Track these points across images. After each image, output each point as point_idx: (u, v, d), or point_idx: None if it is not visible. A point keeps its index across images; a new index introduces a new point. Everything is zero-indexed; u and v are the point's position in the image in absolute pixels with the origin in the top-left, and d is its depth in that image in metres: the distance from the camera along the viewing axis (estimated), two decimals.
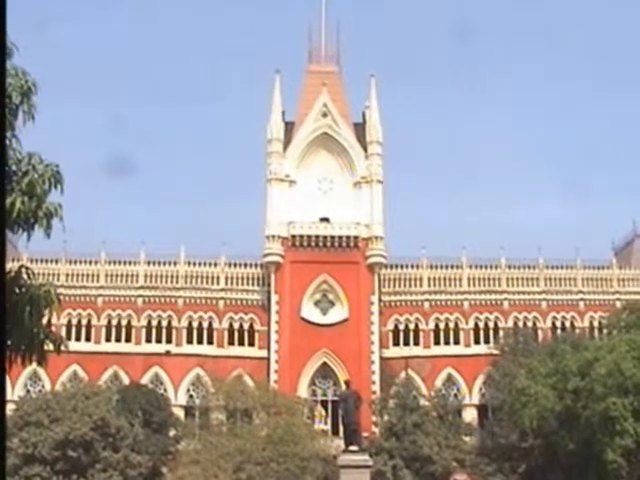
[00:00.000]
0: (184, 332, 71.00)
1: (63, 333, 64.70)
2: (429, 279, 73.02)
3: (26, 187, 11.17)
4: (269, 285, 71.06)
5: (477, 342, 71.33)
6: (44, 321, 11.76)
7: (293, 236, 70.41)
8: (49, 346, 11.98)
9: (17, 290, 11.44)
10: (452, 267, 73.63)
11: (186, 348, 70.43)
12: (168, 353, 69.92)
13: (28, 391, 67.02)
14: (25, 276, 11.59)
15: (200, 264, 72.77)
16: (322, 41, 77.43)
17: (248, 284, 72.40)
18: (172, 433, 61.61)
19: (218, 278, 72.43)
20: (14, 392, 66.50)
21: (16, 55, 11.74)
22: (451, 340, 71.79)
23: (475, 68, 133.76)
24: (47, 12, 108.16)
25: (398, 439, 57.83)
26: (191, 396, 69.38)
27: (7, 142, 11.30)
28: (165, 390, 68.07)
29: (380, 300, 70.92)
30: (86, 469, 53.76)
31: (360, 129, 73.84)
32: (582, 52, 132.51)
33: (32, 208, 11.12)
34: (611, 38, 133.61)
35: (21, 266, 11.76)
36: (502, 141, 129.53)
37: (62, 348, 12.15)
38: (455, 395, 69.14)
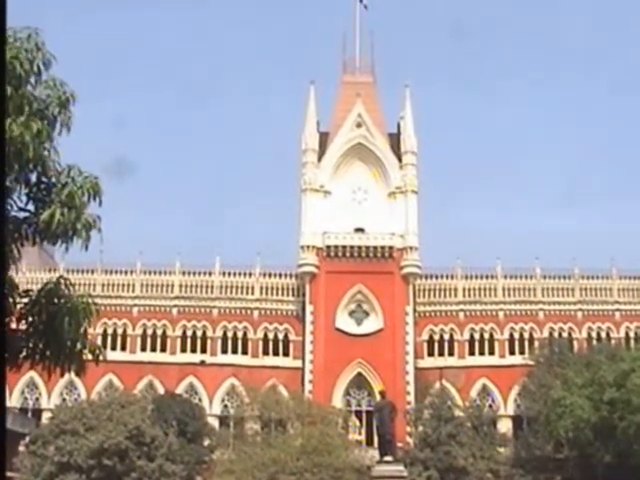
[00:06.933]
0: (219, 342, 71.22)
1: (99, 342, 65.04)
2: (464, 289, 72.80)
3: (66, 198, 11.28)
4: (304, 295, 71.12)
5: (512, 353, 70.92)
6: (82, 331, 11.85)
7: (328, 246, 70.41)
8: (87, 356, 12.07)
9: (56, 301, 11.54)
10: (487, 277, 73.37)
11: (221, 358, 70.62)
12: (203, 363, 70.14)
13: (64, 400, 67.68)
14: (63, 287, 11.70)
15: (235, 274, 73.00)
16: (356, 52, 77.66)
17: (283, 294, 72.51)
18: (207, 443, 61.79)
19: (253, 288, 72.58)
20: (50, 401, 67.39)
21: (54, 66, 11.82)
22: (486, 351, 71.47)
23: (509, 78, 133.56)
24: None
25: (433, 450, 57.64)
26: (225, 406, 69.56)
27: (46, 153, 11.41)
28: (200, 400, 68.24)
29: (415, 310, 70.75)
30: (121, 478, 53.89)
31: (394, 139, 73.69)
32: None
33: (71, 219, 11.22)
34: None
35: (60, 277, 11.88)
36: (533, 150, 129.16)
37: (100, 358, 12.24)
38: (490, 406, 68.69)
